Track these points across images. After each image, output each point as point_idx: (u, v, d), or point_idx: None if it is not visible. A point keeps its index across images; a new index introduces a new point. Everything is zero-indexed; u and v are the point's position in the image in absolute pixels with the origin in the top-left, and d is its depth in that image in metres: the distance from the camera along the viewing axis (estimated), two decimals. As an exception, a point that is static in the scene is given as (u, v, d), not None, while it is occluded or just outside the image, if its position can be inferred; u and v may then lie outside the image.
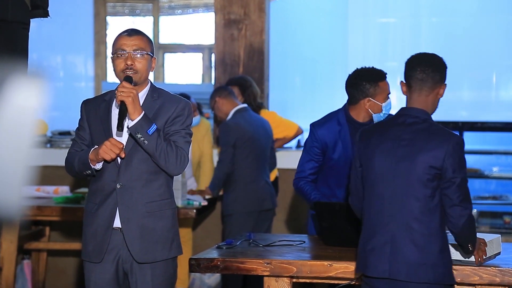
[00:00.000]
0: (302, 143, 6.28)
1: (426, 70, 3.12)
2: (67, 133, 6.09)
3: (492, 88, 7.14)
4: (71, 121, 7.37)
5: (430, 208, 3.03)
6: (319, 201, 3.85)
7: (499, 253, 3.45)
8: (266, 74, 6.15)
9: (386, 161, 3.09)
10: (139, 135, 3.07)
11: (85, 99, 3.34)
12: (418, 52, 3.22)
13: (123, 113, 3.06)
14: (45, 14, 3.64)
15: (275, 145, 5.73)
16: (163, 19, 8.42)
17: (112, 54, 3.19)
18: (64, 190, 5.50)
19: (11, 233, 4.94)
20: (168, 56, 8.84)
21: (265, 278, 3.56)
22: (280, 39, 7.11)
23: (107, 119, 3.20)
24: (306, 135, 6.55)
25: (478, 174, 6.12)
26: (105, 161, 3.13)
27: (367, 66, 3.90)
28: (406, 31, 7.28)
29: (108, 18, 8.16)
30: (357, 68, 3.90)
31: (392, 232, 3.06)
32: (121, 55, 3.14)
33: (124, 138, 3.18)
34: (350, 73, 3.91)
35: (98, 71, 7.88)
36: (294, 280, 3.58)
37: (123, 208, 3.15)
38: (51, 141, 6.07)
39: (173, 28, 8.94)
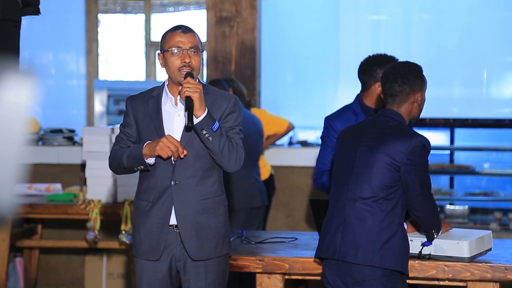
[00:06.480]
0: (294, 141, 6.29)
1: (393, 85, 3.25)
2: (59, 130, 6.07)
3: (483, 85, 7.15)
4: (63, 118, 7.38)
5: (385, 196, 3.12)
6: (314, 198, 3.88)
7: (490, 249, 3.47)
8: (258, 72, 6.16)
9: (350, 149, 3.24)
10: (204, 132, 3.03)
11: (130, 95, 3.26)
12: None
13: (191, 108, 3.01)
14: (36, 12, 3.64)
15: (268, 141, 5.74)
16: (154, 17, 8.40)
17: (165, 50, 3.13)
18: (56, 188, 5.49)
19: (3, 231, 4.93)
20: (160, 54, 8.79)
21: (258, 275, 3.57)
22: (272, 37, 7.11)
23: (158, 116, 3.15)
24: (297, 131, 6.59)
25: (469, 171, 6.14)
26: (160, 158, 3.09)
27: (378, 53, 3.90)
28: (397, 28, 7.28)
29: (100, 16, 8.14)
30: (369, 55, 3.90)
31: (345, 215, 3.16)
32: (177, 52, 3.10)
33: (177, 134, 3.14)
34: (362, 60, 3.89)
35: (90, 69, 7.86)
36: (287, 277, 3.59)
37: (179, 205, 3.13)
38: (43, 138, 6.05)
39: (165, 26, 8.93)
